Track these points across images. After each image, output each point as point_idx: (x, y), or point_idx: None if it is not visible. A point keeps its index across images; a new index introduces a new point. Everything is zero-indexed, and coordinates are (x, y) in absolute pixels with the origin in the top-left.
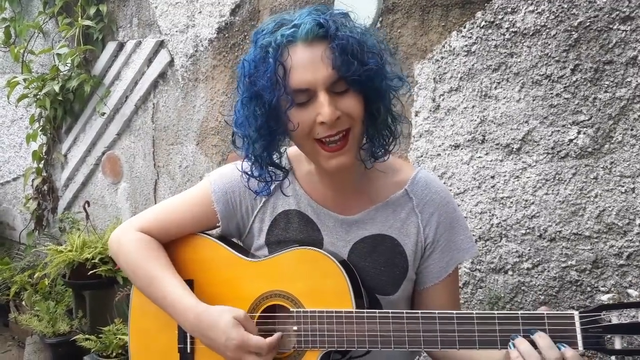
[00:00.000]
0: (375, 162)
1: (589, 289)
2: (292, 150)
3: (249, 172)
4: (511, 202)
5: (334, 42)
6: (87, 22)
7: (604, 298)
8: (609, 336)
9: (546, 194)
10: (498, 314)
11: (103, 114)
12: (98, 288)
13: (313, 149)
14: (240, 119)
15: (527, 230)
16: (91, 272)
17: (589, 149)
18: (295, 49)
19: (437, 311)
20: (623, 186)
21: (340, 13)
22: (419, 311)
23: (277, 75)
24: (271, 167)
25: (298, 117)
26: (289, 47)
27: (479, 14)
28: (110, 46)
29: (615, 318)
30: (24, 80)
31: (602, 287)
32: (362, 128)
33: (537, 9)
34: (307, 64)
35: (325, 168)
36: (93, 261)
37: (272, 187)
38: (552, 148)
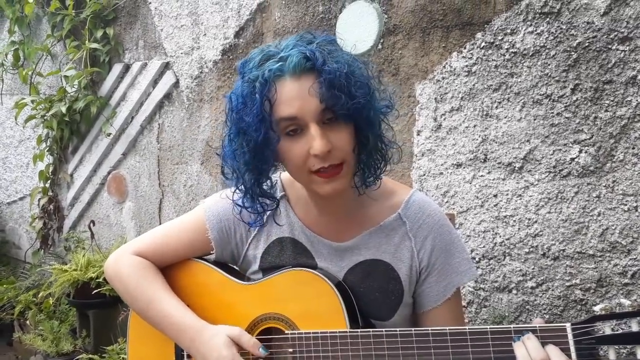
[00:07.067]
0: (367, 189)
1: (593, 308)
2: (286, 176)
3: (240, 204)
4: (514, 221)
5: (321, 76)
6: (94, 45)
7: (597, 308)
8: (603, 347)
9: (549, 212)
10: (490, 328)
11: (109, 134)
12: (102, 307)
13: (308, 179)
14: (229, 153)
15: (531, 249)
16: (95, 291)
17: (591, 168)
18: (283, 82)
19: (430, 328)
20: (626, 204)
21: (326, 40)
22: (412, 329)
23: (263, 112)
24: (262, 198)
25: (289, 149)
26: (277, 82)
27: (479, 35)
28: (117, 68)
29: (608, 328)
30: (32, 101)
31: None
32: (355, 157)
33: (536, 30)
34: (295, 97)
35: (319, 193)
36: (97, 280)
37: (266, 216)
38: (554, 167)
